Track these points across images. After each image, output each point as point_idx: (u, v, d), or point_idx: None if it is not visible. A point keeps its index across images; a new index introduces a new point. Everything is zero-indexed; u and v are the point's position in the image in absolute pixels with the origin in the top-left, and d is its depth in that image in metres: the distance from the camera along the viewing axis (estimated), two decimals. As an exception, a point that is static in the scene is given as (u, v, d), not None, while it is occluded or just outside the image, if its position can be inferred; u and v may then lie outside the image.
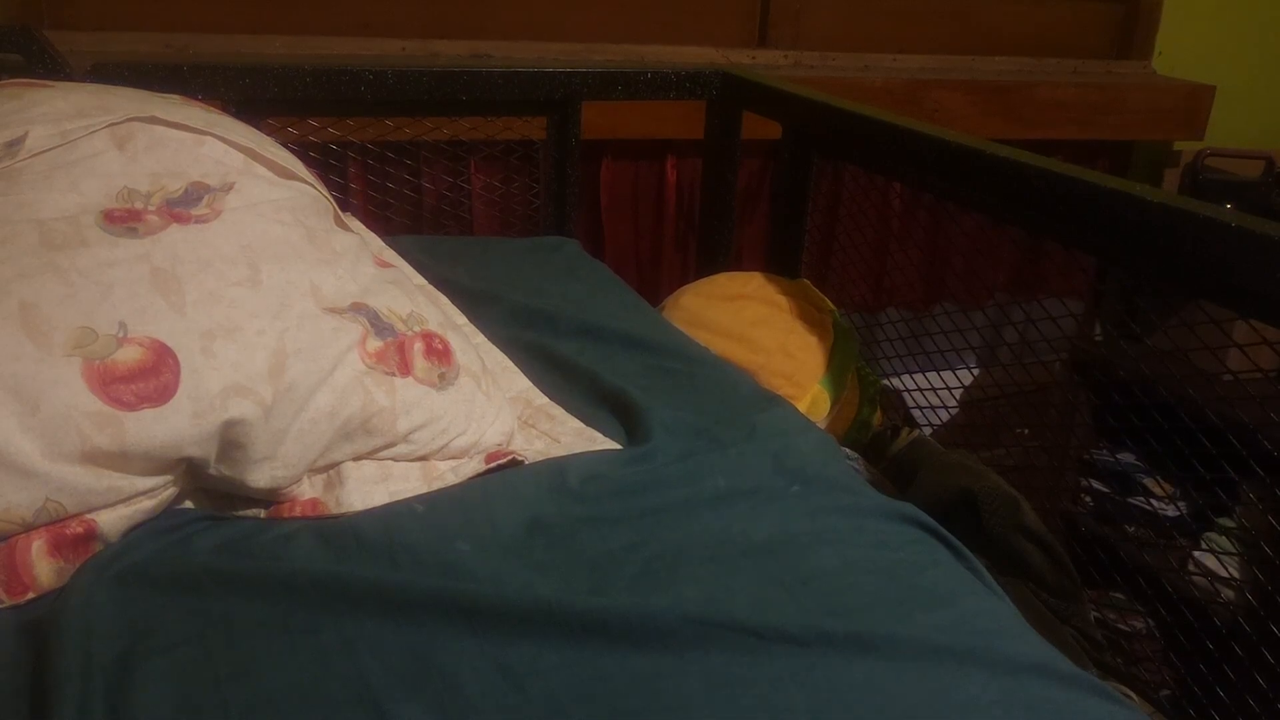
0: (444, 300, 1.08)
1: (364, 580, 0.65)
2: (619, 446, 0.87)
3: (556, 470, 0.81)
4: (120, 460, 0.67)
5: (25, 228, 0.72)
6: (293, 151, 1.01)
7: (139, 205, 0.77)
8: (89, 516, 0.67)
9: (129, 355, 0.68)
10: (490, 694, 0.58)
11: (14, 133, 0.79)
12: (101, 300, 0.69)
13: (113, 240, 0.73)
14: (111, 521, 0.68)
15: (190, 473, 0.73)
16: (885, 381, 1.86)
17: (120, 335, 0.68)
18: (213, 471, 0.73)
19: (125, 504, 0.69)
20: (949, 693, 0.60)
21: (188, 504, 0.75)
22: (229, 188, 0.82)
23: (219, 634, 0.60)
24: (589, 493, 0.78)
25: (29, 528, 0.65)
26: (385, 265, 0.93)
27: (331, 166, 1.57)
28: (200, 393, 0.69)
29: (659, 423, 0.88)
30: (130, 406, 0.67)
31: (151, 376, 0.68)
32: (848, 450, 1.20)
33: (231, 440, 0.71)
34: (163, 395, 0.68)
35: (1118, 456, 1.86)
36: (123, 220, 0.75)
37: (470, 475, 0.81)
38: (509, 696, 0.58)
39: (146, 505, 0.70)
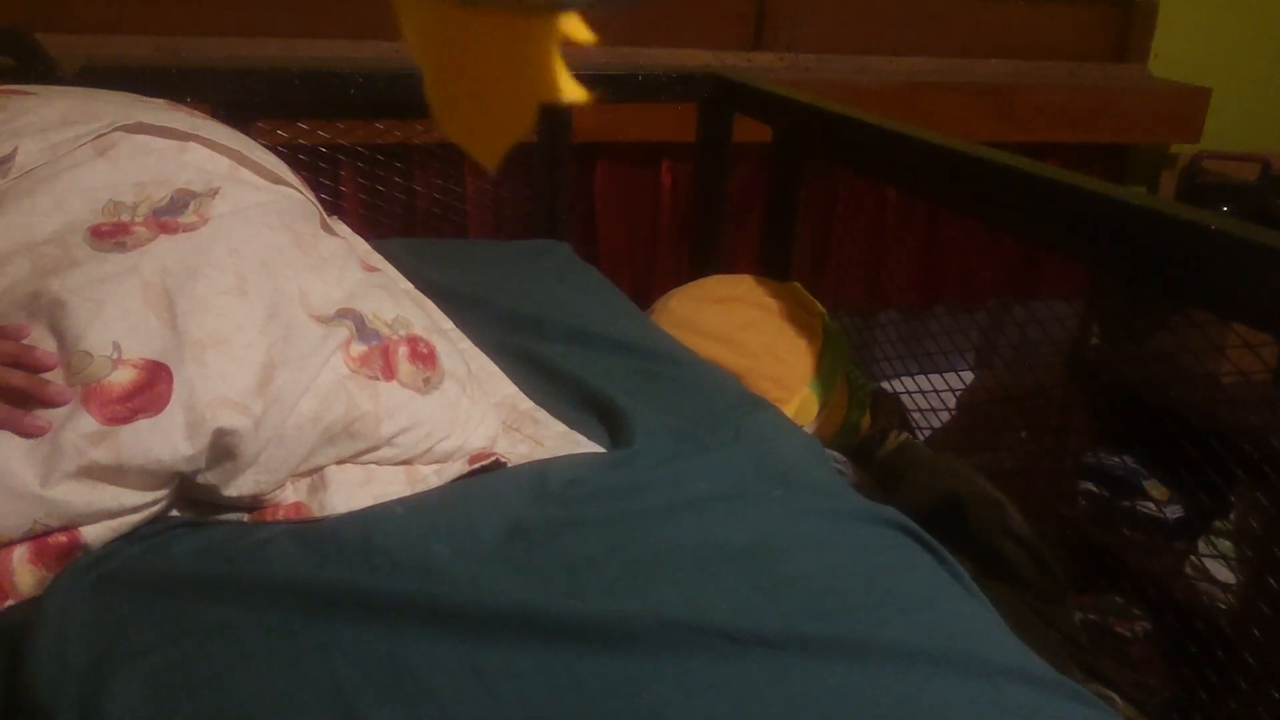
0: (430, 304, 1.08)
1: (341, 584, 0.65)
2: (603, 450, 0.88)
3: (538, 474, 0.81)
4: (116, 474, 0.67)
5: (17, 258, 0.73)
6: (283, 155, 1.02)
7: (125, 218, 0.77)
8: (74, 529, 0.67)
9: (124, 377, 0.68)
10: (464, 698, 0.58)
11: (3, 148, 0.79)
12: (94, 318, 0.70)
13: (102, 256, 0.73)
14: (97, 533, 0.69)
15: (180, 483, 0.73)
16: (883, 384, 1.86)
17: (115, 356, 0.69)
18: (200, 480, 0.73)
19: (112, 519, 0.69)
20: (923, 696, 0.60)
21: (171, 510, 0.76)
22: (214, 193, 0.82)
23: (194, 638, 0.60)
24: (570, 496, 0.79)
25: (12, 544, 0.66)
26: (371, 269, 0.93)
27: (323, 170, 1.58)
28: (193, 401, 0.70)
29: (643, 426, 0.88)
30: (125, 420, 0.67)
31: (146, 390, 0.69)
32: (835, 454, 1.20)
33: (223, 449, 0.71)
34: (157, 405, 0.69)
35: (1115, 459, 1.86)
36: (111, 235, 0.75)
37: (453, 478, 0.81)
38: (483, 700, 0.58)
39: (134, 520, 0.71)
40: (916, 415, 1.83)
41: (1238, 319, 0.83)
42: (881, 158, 1.20)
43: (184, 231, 0.78)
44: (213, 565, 0.68)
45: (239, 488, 0.73)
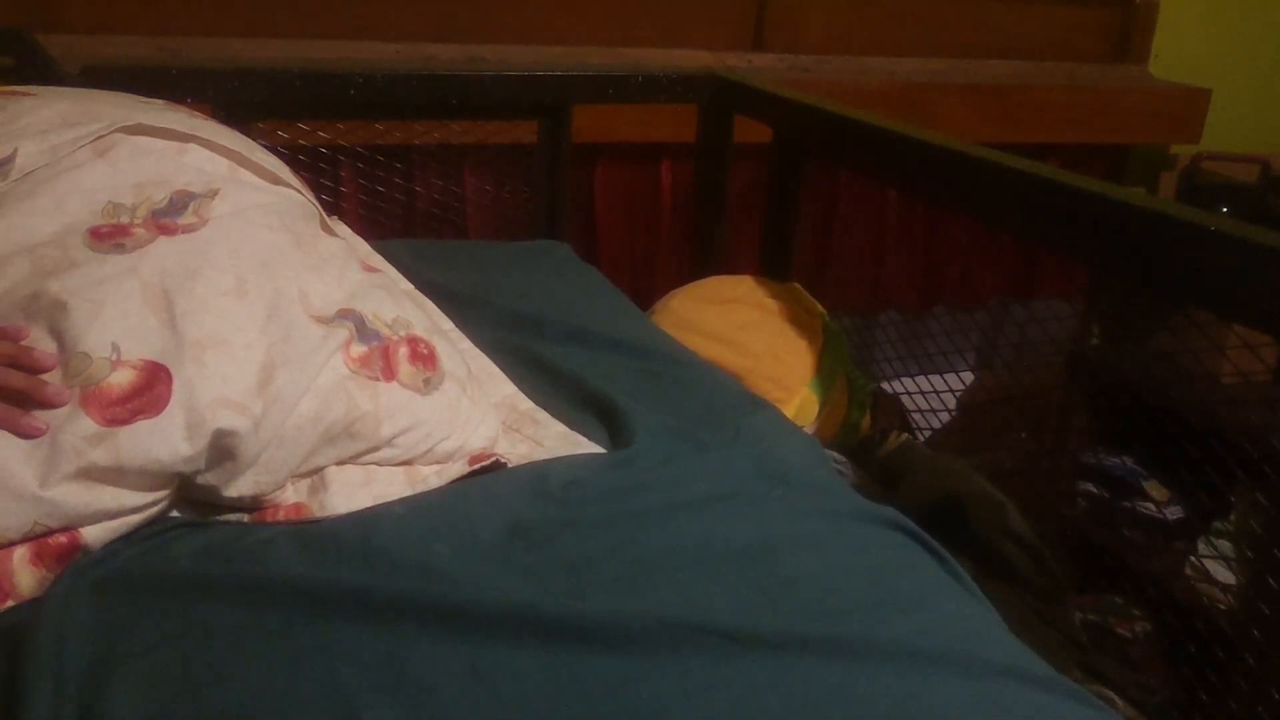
0: (430, 305, 1.08)
1: (340, 584, 0.65)
2: (603, 450, 0.88)
3: (538, 474, 0.81)
4: (116, 475, 0.67)
5: (16, 259, 0.73)
6: (283, 155, 1.02)
7: (125, 220, 0.77)
8: (74, 529, 0.67)
9: (122, 378, 0.68)
10: (464, 697, 0.58)
11: (3, 150, 0.79)
12: (93, 319, 0.70)
13: (101, 258, 0.73)
14: (97, 534, 0.68)
15: (180, 484, 0.73)
16: (883, 384, 1.86)
17: (113, 358, 0.69)
18: (199, 480, 0.73)
19: (113, 519, 0.69)
20: (922, 696, 0.60)
21: (172, 511, 0.76)
22: (213, 194, 0.82)
23: (194, 639, 0.60)
24: (570, 496, 0.78)
25: (12, 544, 0.66)
26: (371, 270, 0.93)
27: (323, 170, 1.58)
28: (193, 402, 0.70)
29: (643, 426, 0.88)
30: (125, 421, 0.67)
31: (145, 391, 0.69)
32: (835, 454, 1.20)
33: (223, 450, 0.71)
34: (156, 406, 0.69)
35: (1115, 459, 1.86)
36: (110, 237, 0.75)
37: (453, 478, 0.81)
38: (483, 700, 0.58)
39: (134, 520, 0.71)
40: (916, 415, 1.83)
41: (1238, 319, 0.83)
42: (881, 158, 1.20)
43: (183, 233, 0.78)
44: (213, 566, 0.68)
45: (239, 488, 0.73)
